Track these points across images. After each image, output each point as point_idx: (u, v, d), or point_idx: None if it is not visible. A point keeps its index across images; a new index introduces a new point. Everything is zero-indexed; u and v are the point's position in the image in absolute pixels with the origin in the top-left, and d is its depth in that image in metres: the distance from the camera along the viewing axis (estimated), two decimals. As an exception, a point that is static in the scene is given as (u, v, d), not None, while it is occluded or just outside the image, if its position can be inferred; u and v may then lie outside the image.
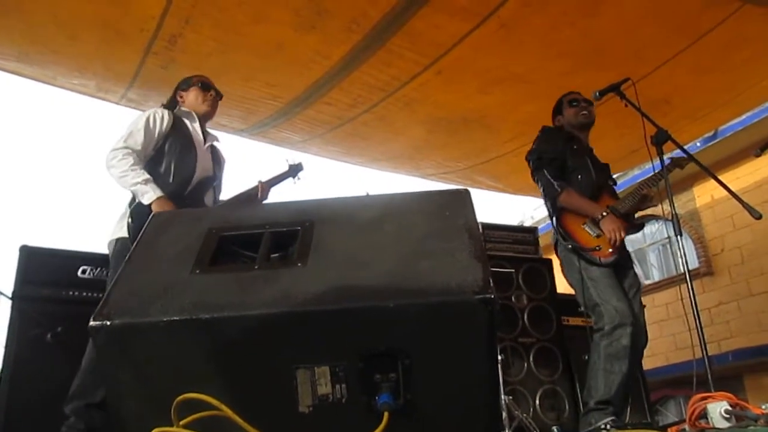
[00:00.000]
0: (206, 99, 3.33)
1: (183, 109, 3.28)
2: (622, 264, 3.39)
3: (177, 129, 3.13)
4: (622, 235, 3.32)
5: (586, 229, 3.36)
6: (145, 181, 2.89)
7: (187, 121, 3.21)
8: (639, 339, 3.18)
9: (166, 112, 3.15)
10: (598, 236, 3.32)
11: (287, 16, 3.98)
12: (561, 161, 3.50)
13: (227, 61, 4.32)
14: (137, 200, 2.91)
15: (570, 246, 3.34)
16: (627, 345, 3.04)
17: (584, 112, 3.60)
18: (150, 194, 2.86)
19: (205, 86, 3.34)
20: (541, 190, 3.52)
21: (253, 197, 3.31)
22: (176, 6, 3.78)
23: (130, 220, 2.91)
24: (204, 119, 3.33)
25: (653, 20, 4.21)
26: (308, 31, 4.11)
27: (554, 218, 3.46)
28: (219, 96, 3.41)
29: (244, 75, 4.57)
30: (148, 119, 3.06)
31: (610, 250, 3.27)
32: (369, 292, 1.42)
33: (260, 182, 3.41)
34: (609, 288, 3.20)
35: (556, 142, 3.56)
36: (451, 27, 4.16)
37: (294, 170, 3.58)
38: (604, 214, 3.35)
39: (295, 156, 3.72)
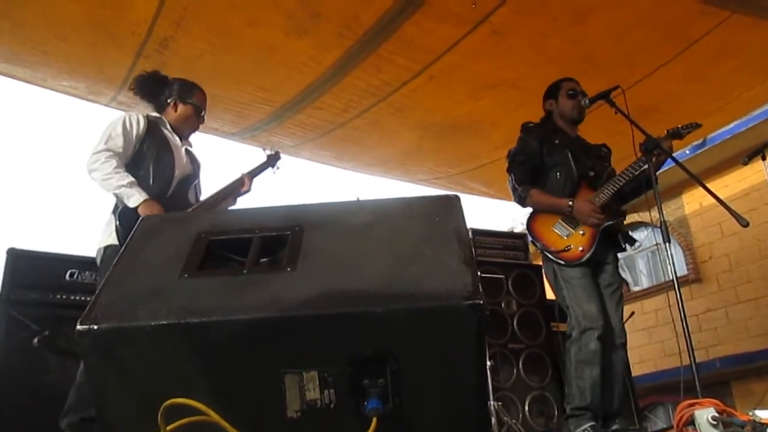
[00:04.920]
0: (193, 124, 3.30)
1: (154, 114, 3.22)
2: (599, 260, 3.33)
3: (152, 132, 3.08)
4: (599, 216, 3.27)
5: (555, 230, 3.34)
6: (130, 184, 2.85)
7: (160, 125, 3.17)
8: (609, 339, 3.15)
9: (140, 116, 3.09)
10: (568, 236, 3.29)
11: (280, 19, 3.98)
12: (534, 163, 3.46)
13: (219, 65, 4.31)
14: (123, 204, 2.86)
15: (539, 249, 3.36)
16: (595, 349, 3.04)
17: (579, 107, 3.53)
18: (136, 197, 2.82)
19: (199, 111, 3.30)
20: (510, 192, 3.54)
21: (237, 189, 3.26)
22: (168, 9, 3.78)
23: (117, 223, 2.85)
24: (178, 132, 3.26)
25: (643, 28, 4.24)
26: (301, 36, 4.12)
27: (526, 221, 3.47)
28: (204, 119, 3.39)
29: (235, 78, 4.56)
30: (124, 123, 3.00)
31: (581, 249, 3.24)
32: (358, 297, 1.42)
33: (244, 174, 3.34)
34: (581, 289, 3.18)
35: (531, 143, 3.50)
36: (443, 33, 4.18)
37: (272, 160, 3.54)
38: (570, 204, 3.30)
39: (273, 146, 3.66)
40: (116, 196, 2.89)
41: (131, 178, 2.88)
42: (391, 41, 4.19)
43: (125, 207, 2.85)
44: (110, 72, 4.40)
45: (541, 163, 3.46)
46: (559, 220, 3.34)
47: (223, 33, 4.07)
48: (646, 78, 4.65)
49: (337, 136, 5.39)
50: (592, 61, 4.39)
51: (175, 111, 3.24)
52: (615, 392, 3.16)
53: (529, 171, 3.45)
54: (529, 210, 3.53)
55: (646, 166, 3.23)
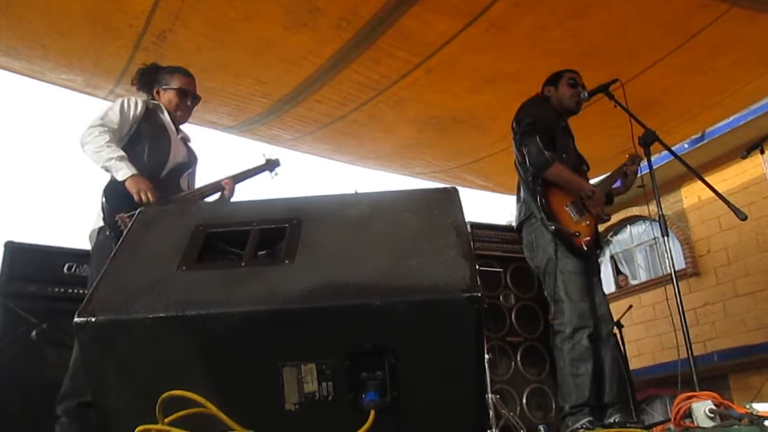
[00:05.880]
0: (181, 107, 3.23)
1: (153, 101, 3.22)
2: (593, 252, 3.35)
3: (149, 116, 3.09)
4: (603, 209, 3.32)
5: (569, 211, 3.28)
6: (120, 158, 2.84)
7: (158, 111, 3.17)
8: (598, 333, 3.15)
9: (139, 99, 3.11)
10: (577, 222, 3.26)
11: (278, 13, 3.96)
12: (552, 133, 3.37)
13: (217, 58, 4.30)
14: (111, 179, 2.85)
15: (553, 228, 3.19)
16: (588, 346, 3.05)
17: (578, 98, 3.50)
18: (125, 170, 2.80)
19: (183, 93, 3.23)
20: (527, 157, 3.29)
21: (216, 191, 3.17)
22: (165, 1, 3.76)
23: (104, 199, 2.83)
24: (172, 119, 3.23)
25: (642, 21, 4.23)
26: (299, 29, 4.10)
27: (538, 195, 3.27)
28: (196, 100, 3.31)
29: (234, 72, 4.55)
30: (122, 103, 3.03)
31: (587, 238, 3.23)
32: (356, 289, 1.42)
33: (227, 177, 3.23)
34: (577, 285, 3.15)
35: (548, 113, 3.44)
36: (442, 26, 4.16)
37: (270, 165, 3.46)
38: (593, 190, 3.30)
39: (274, 151, 3.59)
40: (105, 169, 2.87)
41: (121, 153, 2.87)
42: (390, 34, 4.17)
43: (112, 182, 2.84)
44: (108, 65, 4.38)
45: (554, 139, 3.37)
46: (570, 203, 3.30)
47: (221, 26, 4.05)
48: (646, 71, 4.64)
49: (335, 130, 5.38)
50: (591, 55, 4.38)
51: (159, 99, 3.23)
52: (609, 383, 3.16)
53: (549, 140, 3.32)
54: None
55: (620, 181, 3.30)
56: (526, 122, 3.36)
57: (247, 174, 3.37)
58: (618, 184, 3.58)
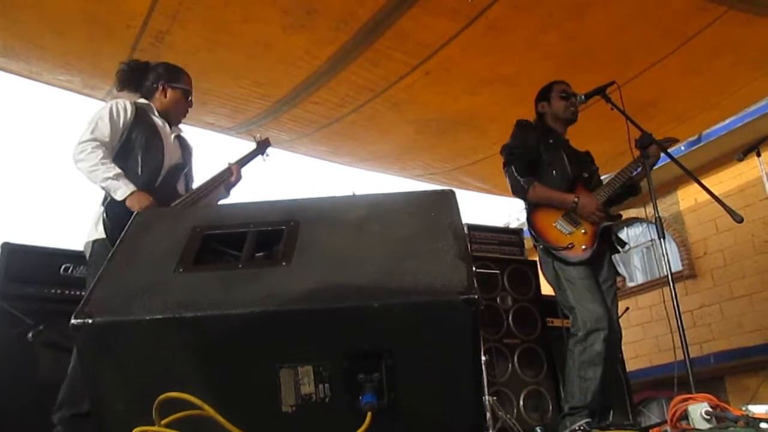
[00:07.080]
0: (184, 108, 3.22)
1: (141, 100, 3.14)
2: (599, 256, 3.32)
3: (140, 120, 3.00)
4: (600, 215, 3.28)
5: (558, 227, 3.29)
6: (117, 176, 2.76)
7: (148, 112, 3.09)
8: (613, 340, 3.14)
9: (127, 102, 3.01)
10: (570, 233, 3.26)
11: (275, 15, 3.97)
12: (532, 157, 3.43)
13: (215, 59, 4.30)
14: (110, 197, 2.79)
15: (542, 246, 3.30)
16: (600, 351, 3.01)
17: (573, 108, 3.54)
18: (123, 189, 2.74)
19: (188, 95, 3.22)
20: (509, 186, 3.46)
21: (226, 179, 3.16)
22: (163, 3, 3.76)
23: (105, 216, 2.78)
24: (167, 118, 3.17)
25: (640, 24, 4.25)
26: (297, 31, 4.11)
27: (527, 218, 3.41)
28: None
29: (231, 73, 4.55)
30: (111, 110, 2.92)
31: (584, 246, 3.22)
32: (353, 291, 1.42)
33: (230, 164, 3.23)
34: (585, 290, 3.14)
35: (528, 138, 3.49)
36: (440, 28, 4.17)
37: (262, 147, 3.45)
38: (576, 200, 3.29)
39: (262, 134, 3.57)
40: (102, 188, 2.81)
41: (117, 170, 2.79)
42: (387, 36, 4.18)
43: (113, 199, 2.78)
44: (106, 66, 4.37)
45: (537, 158, 3.44)
46: (561, 218, 3.31)
47: (219, 28, 4.06)
48: (643, 73, 4.65)
49: (333, 131, 5.38)
50: (588, 57, 4.40)
51: (165, 96, 3.15)
52: (610, 387, 3.16)
53: (527, 165, 3.41)
54: (522, 205, 3.52)
55: (640, 168, 3.26)
56: (504, 154, 3.52)
57: (241, 162, 3.34)
58: (638, 170, 3.54)
